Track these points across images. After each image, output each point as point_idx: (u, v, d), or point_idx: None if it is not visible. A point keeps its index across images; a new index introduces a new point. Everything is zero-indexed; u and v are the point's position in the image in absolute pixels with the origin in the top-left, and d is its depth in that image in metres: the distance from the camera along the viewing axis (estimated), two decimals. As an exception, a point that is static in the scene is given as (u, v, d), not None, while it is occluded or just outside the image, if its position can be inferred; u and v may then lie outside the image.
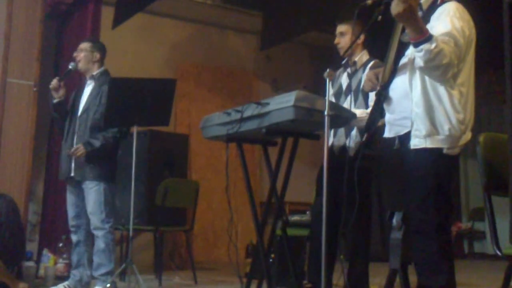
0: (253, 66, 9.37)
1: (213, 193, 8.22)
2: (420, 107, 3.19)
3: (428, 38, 2.98)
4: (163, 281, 5.92)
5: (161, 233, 6.36)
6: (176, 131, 8.21)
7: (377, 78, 3.47)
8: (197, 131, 7.34)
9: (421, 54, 3.00)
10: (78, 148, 4.92)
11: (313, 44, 9.48)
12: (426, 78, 3.19)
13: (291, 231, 4.91)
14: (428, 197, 3.15)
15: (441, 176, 3.18)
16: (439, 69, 3.06)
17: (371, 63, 4.51)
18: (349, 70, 4.63)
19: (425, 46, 2.97)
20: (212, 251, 8.45)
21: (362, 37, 4.55)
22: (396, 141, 3.37)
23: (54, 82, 5.09)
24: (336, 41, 4.62)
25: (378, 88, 3.41)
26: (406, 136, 3.25)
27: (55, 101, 5.15)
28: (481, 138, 2.85)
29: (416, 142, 3.19)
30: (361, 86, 4.34)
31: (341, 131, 4.50)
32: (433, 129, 3.16)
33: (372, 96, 4.13)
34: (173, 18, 8.58)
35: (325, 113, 3.51)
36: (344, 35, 4.57)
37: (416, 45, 3.01)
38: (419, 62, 3.06)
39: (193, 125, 8.37)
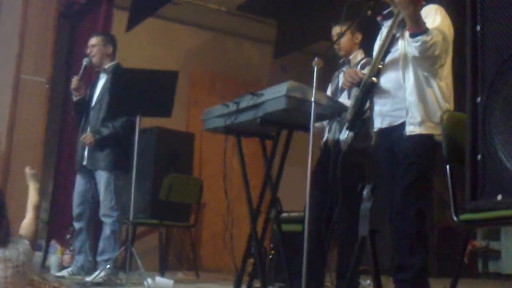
0: (267, 76, 9.48)
1: (224, 203, 8.49)
2: (413, 95, 3.68)
3: (426, 30, 3.50)
4: (166, 277, 6.08)
5: (165, 228, 6.75)
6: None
7: (358, 76, 3.99)
8: (209, 139, 7.74)
9: (418, 44, 3.50)
10: (87, 136, 5.45)
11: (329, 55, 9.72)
12: (419, 70, 3.68)
13: (287, 227, 5.19)
14: (415, 182, 3.63)
15: (430, 163, 3.69)
16: (430, 59, 3.58)
17: (363, 61, 4.88)
18: (344, 69, 4.96)
19: (422, 38, 3.47)
20: (221, 258, 8.74)
21: (359, 37, 4.99)
22: (373, 137, 3.90)
23: (75, 82, 5.61)
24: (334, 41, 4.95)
25: (358, 83, 3.93)
26: (400, 126, 3.73)
27: (75, 99, 5.69)
28: (444, 116, 3.31)
29: (411, 129, 3.68)
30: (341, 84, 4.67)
31: (336, 126, 4.82)
32: (426, 116, 3.66)
33: None
34: (187, 25, 8.89)
35: (312, 99, 3.97)
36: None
37: (414, 36, 3.50)
38: (414, 51, 3.55)
39: (205, 133, 8.71)
